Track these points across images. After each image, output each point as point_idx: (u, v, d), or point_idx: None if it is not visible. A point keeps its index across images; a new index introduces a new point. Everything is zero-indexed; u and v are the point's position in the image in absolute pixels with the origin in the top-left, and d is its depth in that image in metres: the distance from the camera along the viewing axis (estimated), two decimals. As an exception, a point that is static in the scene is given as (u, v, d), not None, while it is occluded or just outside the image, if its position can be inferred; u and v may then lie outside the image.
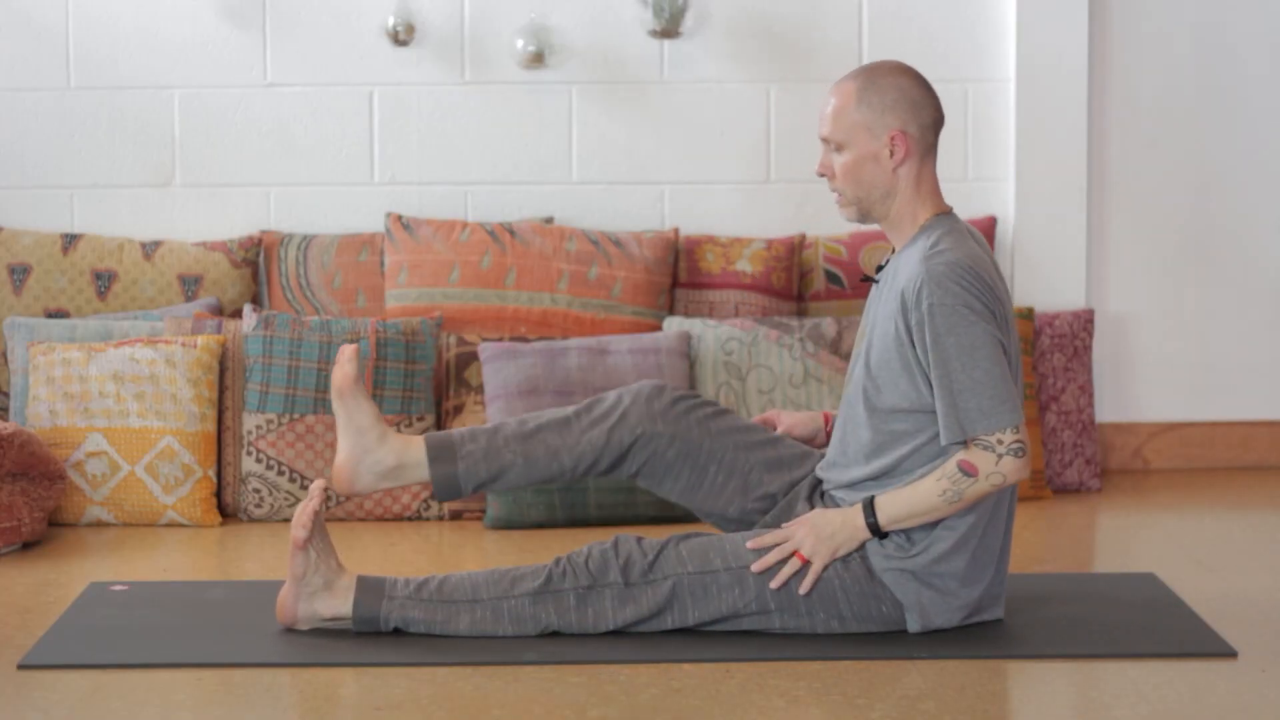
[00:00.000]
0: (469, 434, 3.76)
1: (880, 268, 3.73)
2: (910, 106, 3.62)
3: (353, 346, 3.74)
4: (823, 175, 3.69)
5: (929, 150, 3.66)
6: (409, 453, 3.74)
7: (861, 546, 3.63)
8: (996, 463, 3.52)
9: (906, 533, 3.61)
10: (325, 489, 3.67)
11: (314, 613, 3.67)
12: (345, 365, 3.73)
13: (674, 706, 3.27)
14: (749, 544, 3.65)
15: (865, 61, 5.23)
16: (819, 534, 3.62)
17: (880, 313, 3.66)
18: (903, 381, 3.60)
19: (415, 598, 3.65)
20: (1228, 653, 3.54)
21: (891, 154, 3.62)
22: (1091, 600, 3.89)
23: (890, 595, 3.62)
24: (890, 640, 3.60)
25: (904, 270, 3.61)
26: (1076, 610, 3.82)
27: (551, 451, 3.76)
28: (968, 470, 3.53)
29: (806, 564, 3.62)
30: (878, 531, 3.60)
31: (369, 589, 3.66)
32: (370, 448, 3.73)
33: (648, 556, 3.65)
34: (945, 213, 3.67)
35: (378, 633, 3.66)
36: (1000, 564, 3.68)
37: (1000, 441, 3.52)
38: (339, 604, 3.66)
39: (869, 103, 3.62)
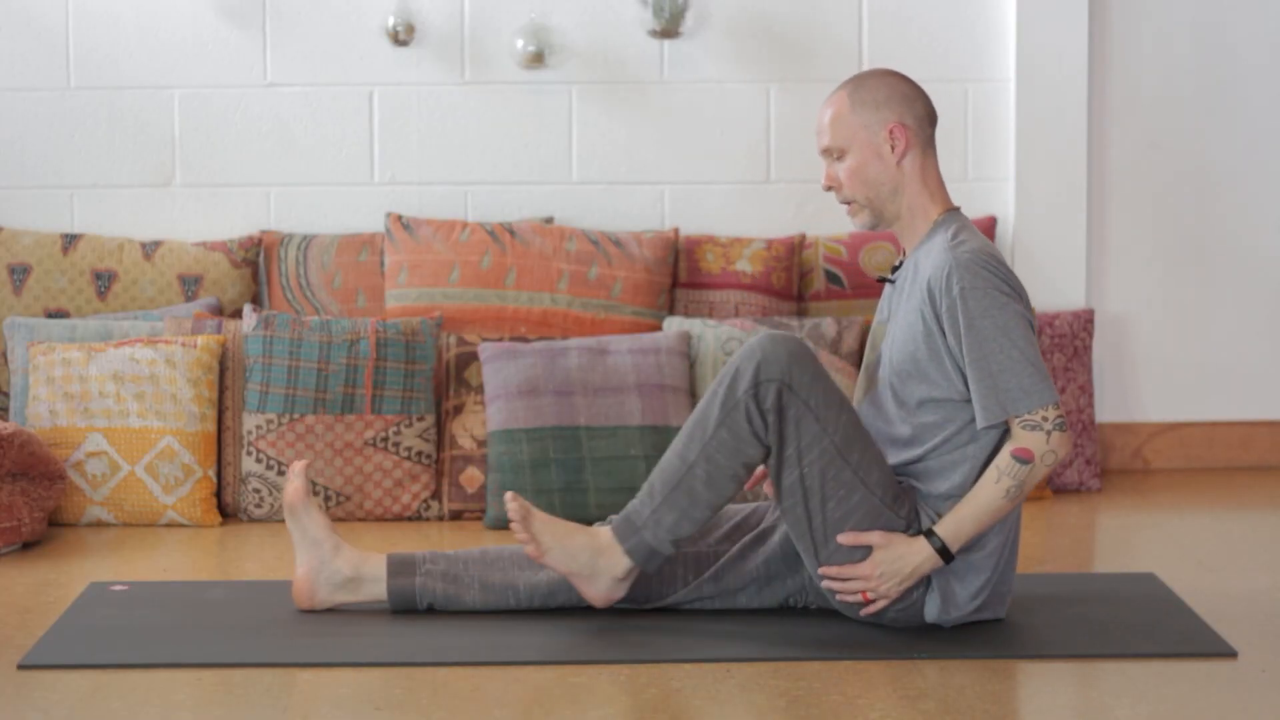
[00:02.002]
0: (430, 555, 3.82)
1: (896, 268, 3.75)
2: (902, 100, 3.67)
3: (302, 462, 3.81)
4: (830, 189, 3.71)
5: (928, 143, 3.69)
6: (366, 566, 3.80)
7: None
8: (1048, 440, 3.54)
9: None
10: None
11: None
12: (295, 480, 3.79)
13: (674, 706, 3.27)
14: (821, 569, 3.65)
15: (865, 61, 5.24)
16: (889, 581, 3.62)
17: (902, 309, 3.67)
18: (933, 372, 3.61)
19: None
20: (1228, 653, 3.54)
21: (893, 147, 3.65)
22: (1091, 600, 3.89)
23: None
24: (890, 640, 3.60)
25: (926, 263, 3.63)
26: (1076, 610, 3.81)
27: (509, 582, 3.80)
28: (1024, 458, 3.54)
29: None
30: (949, 555, 3.60)
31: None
32: (326, 559, 3.79)
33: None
34: (955, 209, 3.70)
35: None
36: (1010, 556, 3.68)
37: (1045, 419, 3.54)
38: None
39: (862, 102, 3.67)
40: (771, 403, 3.58)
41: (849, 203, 3.71)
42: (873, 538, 3.61)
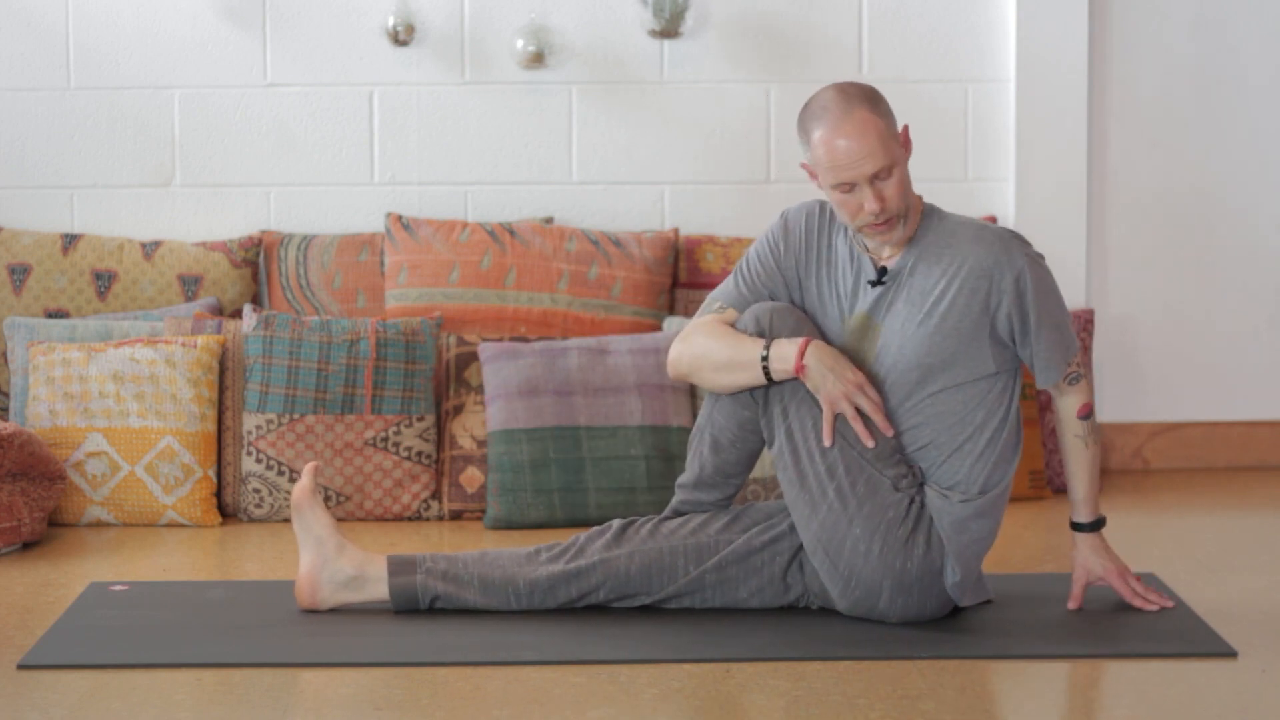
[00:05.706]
0: (430, 555, 3.84)
1: (883, 269, 3.71)
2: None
3: (314, 464, 3.83)
4: (881, 211, 3.59)
5: None
6: (369, 566, 3.81)
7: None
8: (1086, 380, 3.73)
9: (963, 485, 3.67)
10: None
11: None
12: (303, 479, 3.82)
13: (674, 706, 3.27)
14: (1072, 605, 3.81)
15: (865, 61, 5.23)
16: (1106, 571, 3.79)
17: (918, 303, 3.64)
18: (970, 355, 3.65)
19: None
20: (1228, 653, 3.54)
21: (907, 151, 3.68)
22: (1091, 600, 3.89)
23: (940, 546, 3.68)
24: (890, 640, 3.61)
25: (959, 250, 3.63)
26: (1076, 610, 3.82)
27: (508, 577, 3.80)
28: (1087, 413, 3.74)
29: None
30: (1099, 524, 3.78)
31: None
32: (330, 557, 3.80)
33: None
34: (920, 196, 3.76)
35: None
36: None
37: (1079, 364, 3.73)
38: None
39: (885, 114, 3.64)
40: None
41: (891, 218, 3.63)
42: (1105, 577, 3.82)
